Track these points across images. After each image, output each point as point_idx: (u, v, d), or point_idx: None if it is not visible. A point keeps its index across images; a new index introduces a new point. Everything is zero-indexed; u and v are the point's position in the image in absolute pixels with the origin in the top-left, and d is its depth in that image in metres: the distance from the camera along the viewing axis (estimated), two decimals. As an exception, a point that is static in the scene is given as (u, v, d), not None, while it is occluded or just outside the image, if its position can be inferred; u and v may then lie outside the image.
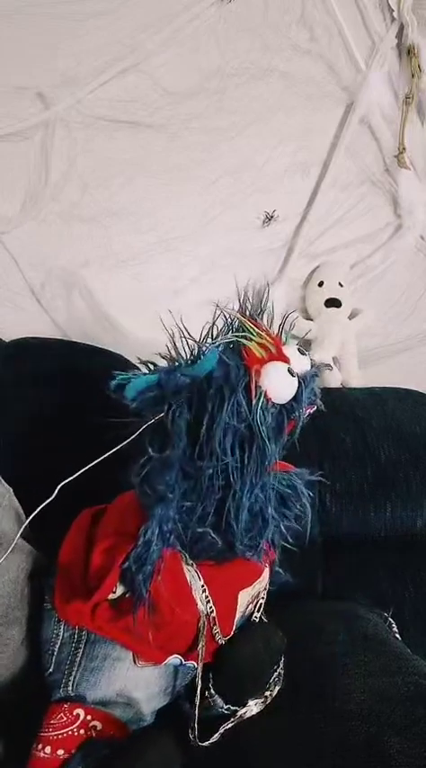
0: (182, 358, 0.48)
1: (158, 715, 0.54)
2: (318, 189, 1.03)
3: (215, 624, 0.51)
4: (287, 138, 1.00)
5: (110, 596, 0.48)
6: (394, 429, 0.82)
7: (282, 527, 0.52)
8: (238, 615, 0.54)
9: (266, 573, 0.57)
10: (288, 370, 0.47)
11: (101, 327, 0.98)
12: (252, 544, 0.50)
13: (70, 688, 0.50)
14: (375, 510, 0.77)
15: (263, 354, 0.47)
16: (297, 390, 0.47)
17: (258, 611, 0.57)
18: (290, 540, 0.53)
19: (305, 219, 1.04)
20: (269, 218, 1.03)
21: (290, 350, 0.49)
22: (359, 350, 1.08)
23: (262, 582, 0.56)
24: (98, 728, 0.48)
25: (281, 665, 0.55)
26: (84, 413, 0.59)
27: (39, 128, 0.91)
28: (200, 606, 0.50)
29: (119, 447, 0.47)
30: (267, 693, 0.54)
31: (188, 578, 0.50)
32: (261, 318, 0.51)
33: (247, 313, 0.51)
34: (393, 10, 0.94)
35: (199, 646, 0.51)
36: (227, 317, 0.49)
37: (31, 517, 0.53)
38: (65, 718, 0.48)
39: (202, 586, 0.50)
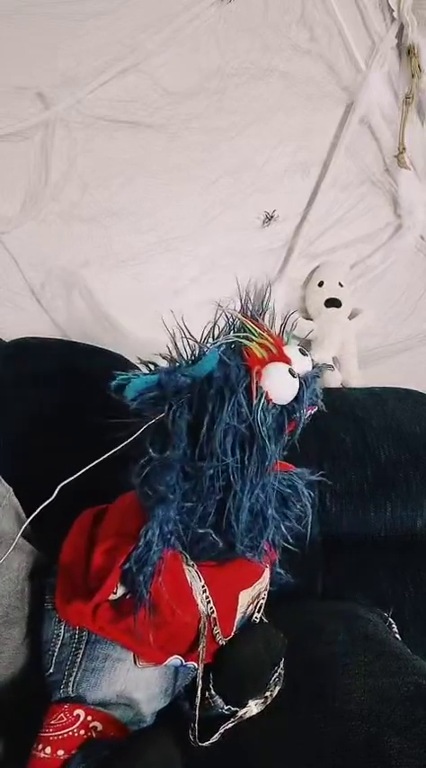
0: (183, 358, 0.48)
1: (158, 715, 0.54)
2: (318, 189, 1.03)
3: (215, 625, 0.51)
4: (287, 138, 0.99)
5: (111, 597, 0.48)
6: (394, 429, 0.82)
7: (283, 527, 0.51)
8: (239, 616, 0.54)
9: (266, 573, 0.57)
10: (290, 371, 0.47)
11: (101, 327, 0.98)
12: (252, 544, 0.50)
13: (70, 688, 0.50)
14: (375, 510, 0.77)
15: (264, 355, 0.47)
16: (299, 391, 0.47)
17: (258, 612, 0.57)
18: (291, 541, 0.53)
19: (305, 219, 1.04)
20: (269, 218, 1.03)
21: (292, 350, 0.49)
22: (359, 350, 1.08)
23: (263, 582, 0.56)
24: (98, 729, 0.48)
25: (282, 666, 0.55)
26: (84, 413, 0.59)
27: (39, 128, 0.91)
28: (201, 607, 0.50)
29: (119, 447, 0.47)
30: (267, 694, 0.54)
31: (188, 579, 0.50)
32: (263, 318, 0.51)
33: (248, 313, 0.50)
34: (393, 10, 0.94)
35: (200, 646, 0.51)
36: (228, 316, 0.49)
37: (31, 517, 0.53)
38: (65, 719, 0.48)
39: (203, 587, 0.50)
